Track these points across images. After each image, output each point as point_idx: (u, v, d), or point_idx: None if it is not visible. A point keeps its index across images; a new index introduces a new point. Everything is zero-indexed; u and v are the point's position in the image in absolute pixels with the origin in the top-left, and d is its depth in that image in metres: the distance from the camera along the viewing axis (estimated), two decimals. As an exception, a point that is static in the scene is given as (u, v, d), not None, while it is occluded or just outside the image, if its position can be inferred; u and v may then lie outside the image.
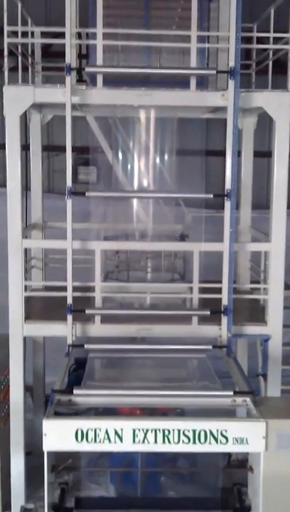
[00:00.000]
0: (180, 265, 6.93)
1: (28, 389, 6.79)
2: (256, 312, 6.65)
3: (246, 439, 4.55)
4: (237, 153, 6.04)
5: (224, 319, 6.09)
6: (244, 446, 4.57)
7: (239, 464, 5.76)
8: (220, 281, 6.12)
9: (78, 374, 5.65)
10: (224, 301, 6.08)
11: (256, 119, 7.26)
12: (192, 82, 5.98)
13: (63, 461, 5.15)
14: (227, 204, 5.99)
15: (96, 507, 5.19)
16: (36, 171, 7.47)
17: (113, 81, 6.04)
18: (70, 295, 6.05)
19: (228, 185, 5.97)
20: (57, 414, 4.75)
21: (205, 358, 5.89)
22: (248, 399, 4.90)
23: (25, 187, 6.91)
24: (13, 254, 6.17)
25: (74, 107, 6.05)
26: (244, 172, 7.39)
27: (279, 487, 4.63)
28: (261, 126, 7.37)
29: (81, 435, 4.56)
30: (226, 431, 4.53)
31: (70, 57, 5.84)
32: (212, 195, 6.15)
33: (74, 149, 6.01)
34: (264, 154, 8.29)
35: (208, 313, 6.09)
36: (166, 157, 6.91)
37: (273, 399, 5.67)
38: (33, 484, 6.25)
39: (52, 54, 9.05)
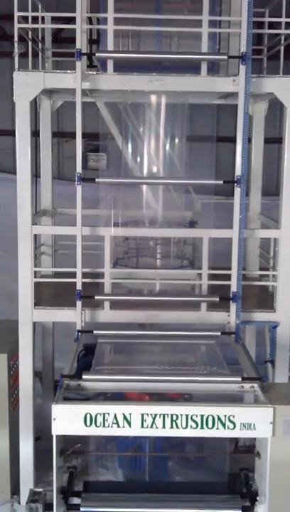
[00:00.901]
0: (189, 252, 6.93)
1: (37, 374, 6.83)
2: (265, 299, 6.64)
3: (254, 425, 4.57)
4: (248, 140, 6.01)
5: (233, 306, 6.10)
6: (251, 431, 4.60)
7: (246, 450, 5.79)
8: (229, 268, 6.12)
9: (87, 360, 5.68)
10: (233, 288, 6.08)
11: (267, 105, 7.22)
12: (203, 67, 5.95)
13: (72, 445, 5.19)
14: (237, 190, 5.97)
15: (104, 491, 5.21)
16: (46, 157, 7.47)
17: (123, 66, 6.02)
18: (79, 281, 6.07)
19: (238, 171, 5.95)
20: (66, 399, 4.78)
21: (214, 344, 5.90)
22: (256, 385, 4.92)
23: (35, 173, 6.91)
24: (23, 241, 6.20)
25: (84, 92, 6.03)
26: (255, 158, 7.35)
27: (286, 472, 4.66)
28: (272, 113, 7.32)
29: (90, 419, 4.60)
30: (234, 416, 4.55)
31: (81, 43, 5.82)
32: (222, 182, 6.14)
33: (84, 136, 6.01)
34: (274, 140, 8.23)
35: (217, 299, 6.10)
36: (176, 143, 6.89)
37: (280, 385, 5.68)
38: (42, 469, 6.31)
39: (63, 40, 9.03)
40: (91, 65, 6.32)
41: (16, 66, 6.03)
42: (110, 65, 5.96)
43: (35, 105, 7.08)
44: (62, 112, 10.03)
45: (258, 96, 6.71)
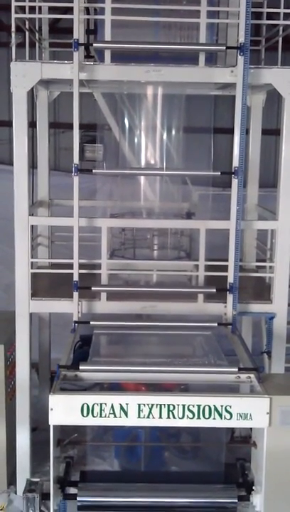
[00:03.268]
0: (186, 243, 6.94)
1: (33, 366, 6.84)
2: (262, 290, 6.66)
3: (250, 415, 4.59)
4: (245, 131, 6.01)
5: (230, 297, 6.11)
6: (248, 421, 4.61)
7: (242, 440, 5.82)
8: (226, 260, 6.12)
9: (84, 351, 5.69)
10: (230, 279, 6.09)
11: (264, 97, 7.21)
12: (201, 58, 5.93)
13: (68, 436, 5.21)
14: (235, 182, 5.97)
15: (101, 481, 5.24)
16: (43, 148, 7.44)
17: (121, 57, 5.99)
18: (76, 272, 6.06)
19: (236, 162, 5.94)
20: (63, 390, 4.79)
21: (211, 335, 5.91)
22: (252, 375, 4.93)
23: (32, 164, 6.90)
24: (20, 232, 6.18)
25: (81, 83, 6.02)
26: (252, 150, 7.34)
27: (282, 462, 4.68)
28: (270, 104, 7.31)
29: (87, 410, 4.60)
30: (230, 406, 4.56)
31: (78, 33, 5.79)
32: (219, 173, 6.14)
33: (81, 126, 5.99)
34: (272, 132, 8.24)
35: (214, 290, 6.11)
36: (173, 134, 6.87)
37: (277, 376, 5.70)
38: (38, 459, 6.33)
39: (60, 30, 9.02)
40: (88, 56, 6.30)
41: (13, 56, 6.00)
42: (107, 55, 5.94)
43: (32, 96, 7.06)
44: (59, 103, 10.00)
45: (256, 87, 6.70)
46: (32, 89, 6.19)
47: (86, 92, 6.90)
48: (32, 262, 6.33)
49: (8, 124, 6.39)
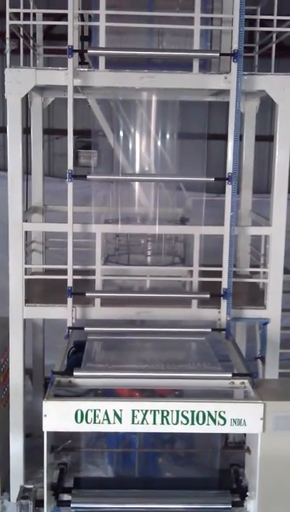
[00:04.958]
0: (180, 249, 6.94)
1: (27, 372, 6.82)
2: (256, 296, 6.67)
3: (244, 421, 4.59)
4: (239, 137, 6.03)
5: (224, 302, 6.12)
6: (241, 427, 4.61)
7: (236, 446, 5.81)
8: (220, 265, 6.13)
9: (77, 357, 5.68)
10: (224, 285, 6.10)
11: (258, 103, 7.25)
12: (195, 64, 5.96)
13: (62, 442, 5.19)
14: (228, 188, 5.99)
15: (95, 487, 5.22)
16: (37, 154, 7.45)
17: (115, 63, 6.01)
18: (70, 278, 6.06)
19: (229, 168, 5.96)
20: (57, 396, 4.78)
21: (205, 341, 5.91)
22: (246, 381, 4.93)
23: (26, 170, 6.90)
24: (14, 237, 6.18)
25: (76, 89, 6.03)
26: (246, 156, 7.37)
27: (276, 468, 4.67)
28: (264, 110, 7.35)
29: (81, 416, 4.60)
30: (224, 412, 4.56)
31: (72, 39, 5.81)
32: (213, 179, 6.15)
33: (75, 132, 6.00)
34: (265, 138, 8.27)
35: (208, 296, 6.11)
36: (168, 140, 6.89)
37: (271, 381, 5.71)
38: (32, 466, 6.31)
39: (54, 36, 9.03)
40: (83, 62, 6.32)
41: (8, 63, 6.01)
42: (102, 61, 5.96)
43: (26, 102, 7.07)
44: (53, 109, 10.02)
45: (249, 93, 6.74)
46: (26, 95, 6.20)
47: (80, 98, 6.91)
48: (26, 268, 6.33)
49: (2, 130, 6.38)
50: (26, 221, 6.52)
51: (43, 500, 4.74)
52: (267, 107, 7.19)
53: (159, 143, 6.87)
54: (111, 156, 7.11)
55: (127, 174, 6.87)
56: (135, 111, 6.87)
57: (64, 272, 6.10)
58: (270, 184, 6.33)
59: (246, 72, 5.95)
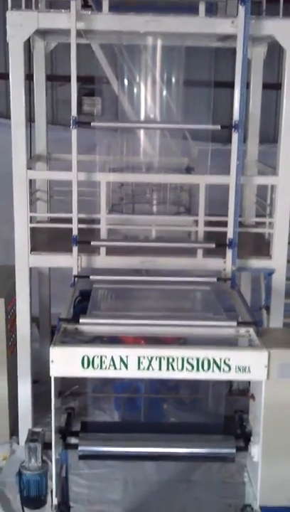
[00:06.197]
0: (185, 198, 6.90)
1: (33, 320, 6.89)
2: (261, 246, 6.67)
3: (249, 368, 4.62)
4: (246, 85, 5.91)
5: (229, 252, 6.12)
6: (246, 374, 4.65)
7: (240, 393, 5.90)
8: (226, 215, 6.11)
9: (83, 306, 5.70)
10: (230, 235, 6.09)
11: (265, 49, 7.07)
12: (201, 8, 5.81)
13: (69, 388, 5.26)
14: (235, 136, 5.90)
15: (101, 431, 5.31)
16: (40, 101, 7.34)
17: (119, 6, 5.86)
18: (75, 226, 6.05)
19: (236, 116, 5.87)
20: (64, 343, 4.82)
21: (210, 290, 5.93)
22: (251, 329, 4.96)
23: (29, 118, 6.80)
24: (18, 186, 6.15)
25: (79, 33, 5.88)
26: (253, 104, 7.24)
27: (279, 414, 4.76)
28: (271, 57, 7.18)
29: (87, 362, 4.63)
30: (229, 359, 4.60)
31: (75, -19, 5.64)
32: (219, 126, 6.07)
33: (78, 79, 5.89)
34: (273, 86, 8.10)
35: (213, 246, 6.12)
36: (173, 88, 6.76)
37: (275, 330, 5.76)
38: (40, 411, 6.44)
39: (56, -21, 8.73)
40: (86, 5, 6.15)
41: (9, 6, 5.86)
42: (105, 4, 5.81)
43: (28, 48, 6.91)
44: (56, 55, 9.80)
45: (257, 39, 6.57)
46: (28, 40, 6.06)
47: (84, 43, 6.75)
48: (31, 217, 6.31)
49: (5, 76, 6.25)
50: (30, 169, 6.46)
51: (50, 444, 4.84)
52: (275, 54, 7.03)
53: (164, 90, 6.74)
54: (116, 104, 7.00)
55: (132, 121, 6.77)
56: (139, 57, 6.72)
57: (69, 220, 6.09)
58: (277, 133, 6.24)
59: (253, 16, 5.79)
